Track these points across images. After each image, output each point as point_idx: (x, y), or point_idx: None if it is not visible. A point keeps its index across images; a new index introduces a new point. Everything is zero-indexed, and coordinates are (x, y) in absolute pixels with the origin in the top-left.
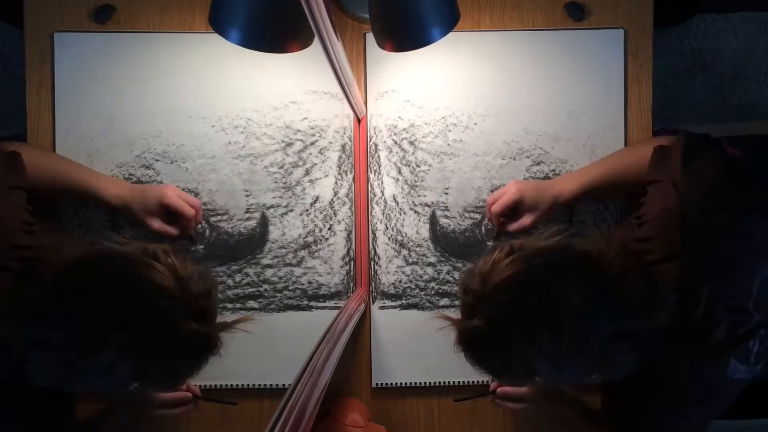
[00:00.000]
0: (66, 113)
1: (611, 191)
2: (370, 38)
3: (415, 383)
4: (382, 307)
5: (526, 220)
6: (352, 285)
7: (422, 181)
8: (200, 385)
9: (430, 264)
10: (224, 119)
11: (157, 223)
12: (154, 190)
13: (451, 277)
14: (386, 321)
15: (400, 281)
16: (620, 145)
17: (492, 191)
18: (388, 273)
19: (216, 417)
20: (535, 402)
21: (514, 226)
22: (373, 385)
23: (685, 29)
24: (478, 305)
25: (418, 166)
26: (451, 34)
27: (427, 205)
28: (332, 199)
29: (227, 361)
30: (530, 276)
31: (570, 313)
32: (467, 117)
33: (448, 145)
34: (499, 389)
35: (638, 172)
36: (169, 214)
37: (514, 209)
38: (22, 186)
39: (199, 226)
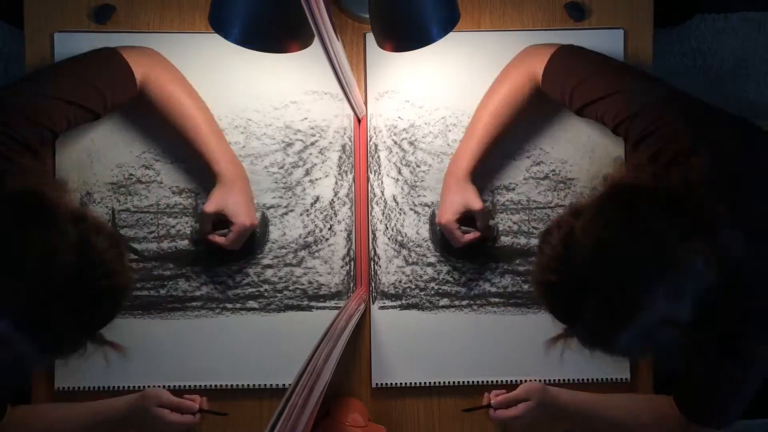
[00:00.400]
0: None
1: (503, 132)
2: (370, 38)
3: (415, 383)
4: (382, 307)
5: (476, 205)
6: (352, 285)
7: (422, 181)
8: (200, 385)
9: (429, 264)
10: (224, 119)
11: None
12: (247, 209)
13: (451, 277)
14: (386, 321)
15: (400, 281)
16: (620, 145)
17: (492, 191)
18: (388, 273)
19: (216, 417)
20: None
21: (481, 222)
22: (373, 385)
23: (685, 29)
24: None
25: (418, 166)
26: (451, 34)
27: (427, 205)
28: (332, 200)
29: (227, 361)
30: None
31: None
32: (467, 117)
33: (448, 145)
34: (493, 401)
35: (514, 103)
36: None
37: (466, 220)
38: None
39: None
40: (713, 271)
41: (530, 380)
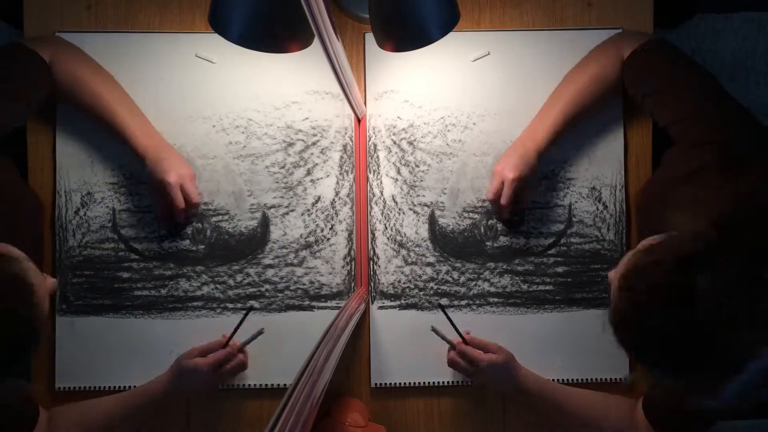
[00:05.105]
0: (66, 113)
1: (582, 116)
2: (370, 38)
3: (415, 383)
4: (381, 307)
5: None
6: (353, 285)
7: (421, 181)
8: None
9: (429, 264)
10: (225, 119)
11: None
12: (169, 166)
13: (450, 277)
14: (385, 321)
15: (399, 281)
16: (620, 145)
17: None
18: (387, 273)
19: (216, 417)
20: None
21: (526, 197)
22: (373, 385)
23: (685, 29)
24: None
25: (417, 166)
26: (451, 34)
27: (426, 205)
28: (334, 199)
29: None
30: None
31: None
32: (466, 117)
33: (447, 145)
34: (468, 336)
35: (600, 86)
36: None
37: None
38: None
39: (196, 224)
40: None
41: None
